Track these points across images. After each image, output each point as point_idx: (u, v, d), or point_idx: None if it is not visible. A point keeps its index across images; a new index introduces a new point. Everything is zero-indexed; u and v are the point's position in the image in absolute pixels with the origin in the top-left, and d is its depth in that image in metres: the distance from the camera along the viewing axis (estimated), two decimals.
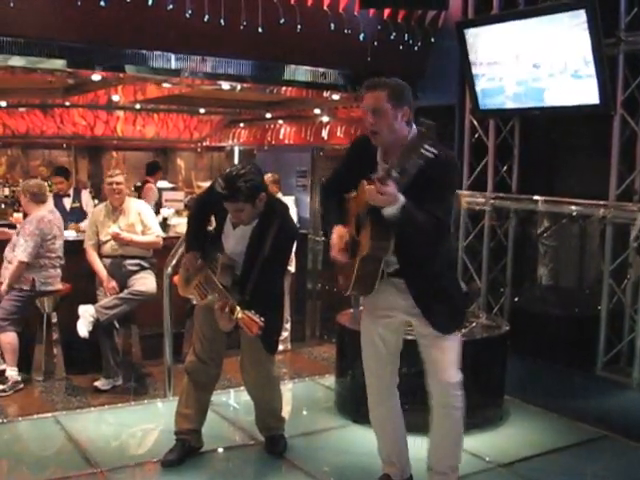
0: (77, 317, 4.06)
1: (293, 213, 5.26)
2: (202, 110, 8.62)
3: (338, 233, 2.44)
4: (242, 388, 3.57)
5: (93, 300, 4.23)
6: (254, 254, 2.80)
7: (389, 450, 2.66)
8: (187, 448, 3.00)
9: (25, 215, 4.52)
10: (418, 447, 2.67)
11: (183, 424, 3.01)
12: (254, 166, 2.86)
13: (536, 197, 4.38)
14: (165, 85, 5.62)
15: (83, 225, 5.07)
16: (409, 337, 2.60)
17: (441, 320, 2.42)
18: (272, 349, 2.98)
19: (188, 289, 2.99)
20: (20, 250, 4.11)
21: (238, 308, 2.63)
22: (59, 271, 4.32)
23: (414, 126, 2.41)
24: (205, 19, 4.11)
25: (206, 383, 3.02)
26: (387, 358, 2.56)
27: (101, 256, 4.34)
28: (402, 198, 2.19)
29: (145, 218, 4.43)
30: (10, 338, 4.13)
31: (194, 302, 3.13)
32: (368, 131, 2.37)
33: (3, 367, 4.20)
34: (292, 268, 5.13)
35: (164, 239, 4.56)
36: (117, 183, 4.33)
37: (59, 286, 4.33)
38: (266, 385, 3.06)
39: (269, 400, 3.09)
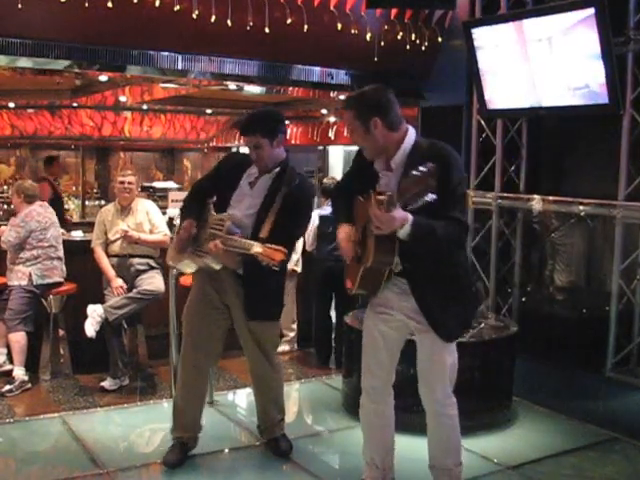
0: (84, 317, 4.06)
1: None
2: (209, 111, 8.64)
3: (345, 232, 2.44)
4: (248, 389, 3.56)
5: (100, 300, 4.23)
6: (267, 208, 2.74)
7: (373, 451, 2.61)
8: (186, 449, 3.00)
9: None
10: (420, 449, 2.65)
11: (180, 432, 3.01)
12: (278, 111, 2.98)
13: (544, 197, 4.35)
14: (172, 86, 5.62)
15: None
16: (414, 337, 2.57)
17: (445, 327, 2.37)
18: (275, 316, 2.96)
19: (180, 257, 2.90)
20: (3, 237, 4.21)
21: (255, 243, 2.53)
22: (56, 263, 4.32)
23: (409, 127, 2.38)
24: (212, 19, 4.11)
25: (199, 388, 2.99)
26: (385, 355, 2.52)
27: (109, 255, 4.35)
28: (409, 217, 2.15)
29: (153, 217, 4.45)
30: (19, 337, 4.14)
31: (186, 270, 3.04)
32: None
33: (10, 367, 4.22)
34: (299, 268, 5.12)
35: (170, 239, 4.57)
36: (129, 182, 4.36)
37: (59, 279, 4.33)
38: (270, 371, 3.02)
39: (273, 386, 3.06)
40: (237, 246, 2.62)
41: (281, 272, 2.88)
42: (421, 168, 2.04)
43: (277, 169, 2.84)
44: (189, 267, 2.94)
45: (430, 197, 2.07)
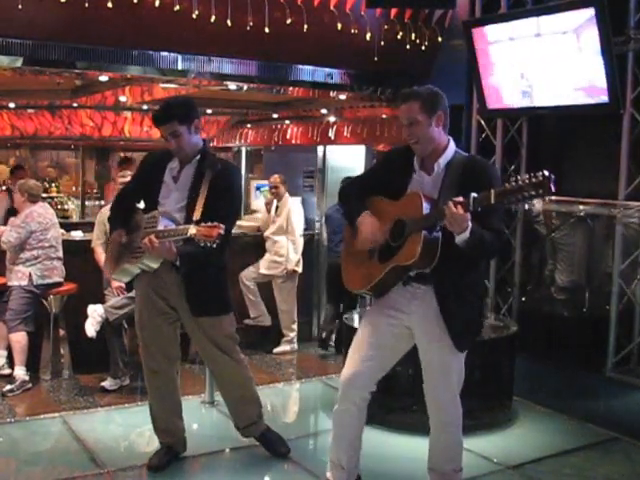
0: (84, 317, 4.07)
1: (300, 214, 5.27)
2: (209, 111, 8.63)
3: (371, 219, 2.40)
4: None
5: (100, 300, 4.24)
6: (195, 197, 2.72)
7: (341, 451, 2.56)
8: (173, 452, 2.98)
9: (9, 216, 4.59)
10: (419, 448, 2.65)
11: (162, 436, 3.00)
12: (190, 98, 2.92)
13: (544, 197, 4.34)
14: (172, 86, 5.63)
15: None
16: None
17: (461, 336, 2.37)
18: (222, 309, 2.86)
19: (119, 265, 2.86)
20: (3, 237, 4.20)
21: (190, 226, 2.52)
22: (56, 263, 4.34)
23: (450, 138, 2.42)
24: (212, 20, 4.11)
25: (167, 392, 2.96)
26: (375, 355, 2.46)
27: None
28: (470, 223, 2.18)
29: None
30: (20, 337, 4.15)
31: (125, 279, 3.01)
32: (409, 142, 2.39)
33: (9, 371, 4.22)
34: (299, 268, 5.13)
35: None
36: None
37: (59, 279, 4.34)
38: (233, 367, 2.95)
39: (241, 382, 2.99)
40: (172, 234, 2.60)
41: (218, 265, 2.83)
42: (532, 174, 2.11)
43: (197, 157, 2.82)
44: (128, 274, 2.88)
45: (529, 204, 2.11)
